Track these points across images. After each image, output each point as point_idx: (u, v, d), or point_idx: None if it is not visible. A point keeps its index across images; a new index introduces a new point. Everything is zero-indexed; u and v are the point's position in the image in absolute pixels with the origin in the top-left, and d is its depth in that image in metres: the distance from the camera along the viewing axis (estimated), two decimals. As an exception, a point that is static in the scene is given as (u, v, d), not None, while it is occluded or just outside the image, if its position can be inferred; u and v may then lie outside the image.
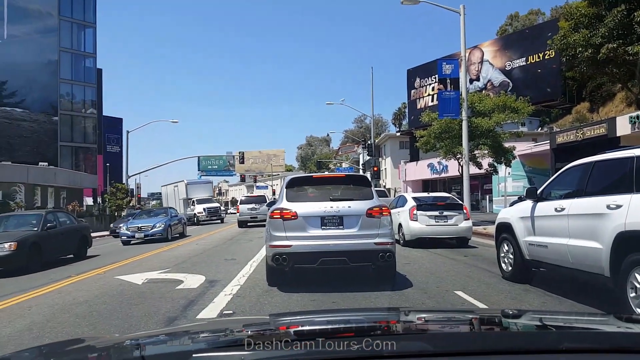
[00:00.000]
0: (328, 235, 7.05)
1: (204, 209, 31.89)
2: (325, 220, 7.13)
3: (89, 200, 52.60)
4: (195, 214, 32.56)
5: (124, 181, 44.95)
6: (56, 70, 47.59)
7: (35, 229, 11.50)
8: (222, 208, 32.66)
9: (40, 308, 6.77)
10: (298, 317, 2.53)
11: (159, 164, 46.95)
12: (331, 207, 7.19)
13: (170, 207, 22.65)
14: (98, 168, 54.01)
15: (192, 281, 8.41)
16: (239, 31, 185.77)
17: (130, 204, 43.17)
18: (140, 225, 18.90)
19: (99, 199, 49.86)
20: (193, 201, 33.43)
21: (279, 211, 7.24)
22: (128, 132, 42.54)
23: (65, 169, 41.77)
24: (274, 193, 74.03)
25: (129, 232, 18.61)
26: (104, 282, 8.84)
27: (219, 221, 32.55)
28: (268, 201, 24.89)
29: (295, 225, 7.11)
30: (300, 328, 1.99)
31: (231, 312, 5.90)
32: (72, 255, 13.18)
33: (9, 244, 10.28)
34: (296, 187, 7.69)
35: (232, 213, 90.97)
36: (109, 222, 36.81)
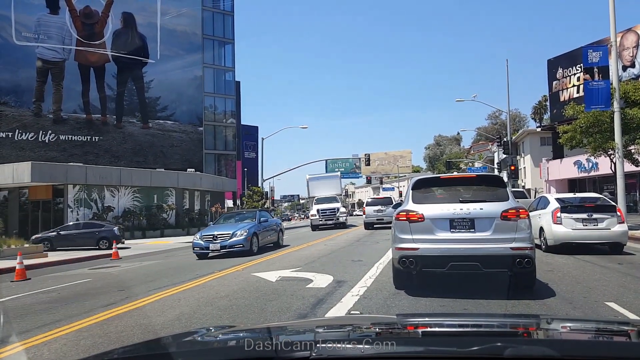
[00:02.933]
0: (458, 239, 6.85)
1: (318, 211, 29.38)
2: (455, 223, 6.94)
3: (229, 202, 57.77)
4: (309, 216, 32.76)
5: (259, 184, 48.41)
6: (201, 85, 52.93)
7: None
8: (343, 210, 30.70)
9: (187, 301, 7.45)
10: (426, 319, 2.49)
11: (290, 167, 49.68)
12: (461, 209, 6.96)
13: (262, 210, 18.39)
14: (237, 173, 58.92)
15: (321, 281, 8.70)
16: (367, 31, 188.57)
17: (265, 206, 46.29)
18: (216, 233, 14.55)
19: (238, 201, 54.37)
20: (314, 200, 32.17)
21: (405, 213, 7.23)
22: (263, 139, 45.73)
23: (209, 174, 46.13)
24: (400, 195, 73.38)
25: (202, 243, 14.44)
26: (242, 279, 9.44)
27: (337, 226, 29.99)
28: (394, 203, 25.39)
29: (422, 228, 7.04)
30: (428, 329, 1.98)
31: (358, 312, 6.01)
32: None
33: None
34: (423, 188, 7.61)
35: (358, 215, 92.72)
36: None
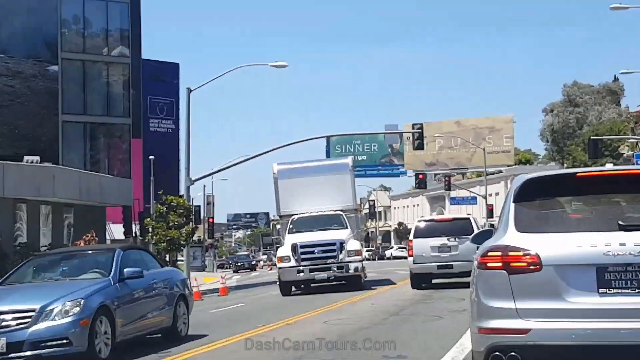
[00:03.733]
0: (617, 310, 6.86)
1: (294, 249, 29.82)
2: (610, 276, 6.95)
3: (116, 229, 57.79)
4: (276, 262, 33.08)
5: (181, 191, 48.31)
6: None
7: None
8: (355, 245, 30.19)
9: None
10: None
11: (250, 155, 48.31)
12: (622, 243, 6.94)
13: (142, 249, 18.17)
14: (133, 165, 59.07)
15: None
16: None
17: (194, 236, 46.24)
18: None
19: (136, 227, 54.37)
20: (289, 223, 32.43)
21: (499, 254, 7.29)
22: (190, 91, 45.66)
23: (73, 168, 46.20)
24: (490, 213, 74.10)
25: None
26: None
27: (340, 284, 30.89)
28: (476, 231, 25.40)
29: (538, 285, 7.11)
30: None
31: None
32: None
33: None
34: (539, 198, 7.75)
35: (398, 257, 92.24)
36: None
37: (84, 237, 36.23)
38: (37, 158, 42.77)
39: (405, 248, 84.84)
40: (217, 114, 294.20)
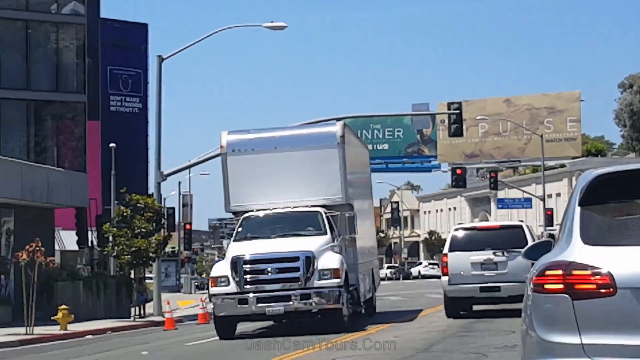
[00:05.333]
0: None
1: (234, 265, 26.00)
2: None
3: (67, 238, 57.81)
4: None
5: (151, 189, 48.34)
6: None
7: None
8: (336, 267, 26.33)
9: None
10: None
11: None
12: None
13: None
14: (90, 155, 59.15)
15: None
16: None
17: (167, 247, 46.19)
18: None
19: (92, 235, 54.45)
20: (238, 225, 28.78)
21: (560, 272, 7.26)
22: (162, 59, 45.72)
23: (12, 158, 46.47)
24: (549, 219, 73.75)
25: None
26: None
27: (315, 324, 27.11)
28: (531, 243, 25.22)
29: (611, 313, 7.12)
30: None
31: None
32: None
33: None
34: (613, 200, 7.77)
35: (429, 277, 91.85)
36: (122, 295, 39.04)
37: (27, 247, 36.37)
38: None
39: (437, 264, 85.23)
40: (196, 90, 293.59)
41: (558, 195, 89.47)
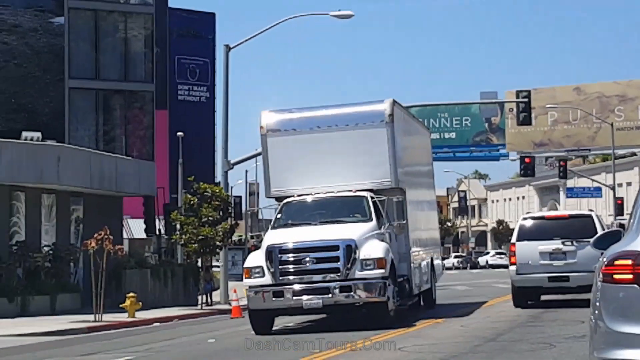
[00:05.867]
0: None
1: (270, 255, 24.31)
2: None
3: (135, 226, 58.24)
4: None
5: (218, 177, 48.52)
6: None
7: None
8: (381, 256, 24.06)
9: None
10: None
11: None
12: None
13: None
14: (157, 143, 59.50)
15: None
16: None
17: (234, 236, 46.36)
18: None
19: (160, 223, 54.82)
20: (279, 214, 26.77)
21: (630, 262, 7.24)
22: (229, 48, 45.82)
23: (82, 147, 46.91)
24: (618, 207, 72.78)
25: None
26: None
27: (362, 319, 24.95)
28: (600, 231, 25.01)
29: None
30: None
31: None
32: None
33: None
34: None
35: (496, 267, 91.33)
36: (189, 283, 39.38)
37: (96, 235, 36.66)
38: (39, 134, 43.36)
39: (505, 254, 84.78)
40: (262, 78, 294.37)
41: (629, 184, 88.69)
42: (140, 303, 34.96)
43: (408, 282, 26.84)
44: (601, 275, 7.34)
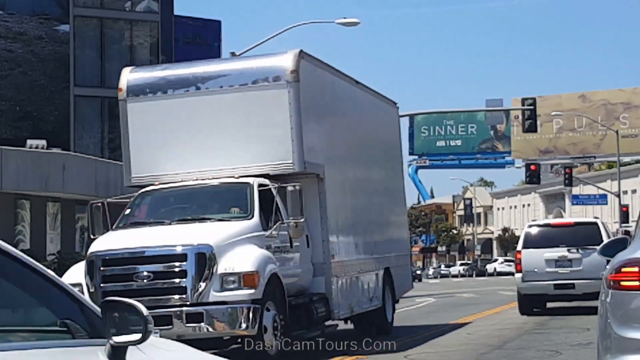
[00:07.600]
0: None
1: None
2: None
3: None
4: None
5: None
6: None
7: None
8: (250, 270, 16.11)
9: None
10: None
11: None
12: None
13: None
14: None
15: None
16: None
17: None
18: None
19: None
20: (128, 209, 20.31)
21: (636, 269, 7.25)
22: (235, 56, 45.89)
23: (87, 155, 46.93)
24: (624, 214, 72.89)
25: None
26: None
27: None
28: (606, 239, 24.83)
29: None
30: None
31: None
32: None
33: None
34: None
35: (503, 274, 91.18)
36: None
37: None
38: (44, 142, 43.32)
39: (511, 261, 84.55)
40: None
41: (634, 191, 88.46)
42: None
43: (326, 302, 19.97)
44: (608, 283, 7.38)
